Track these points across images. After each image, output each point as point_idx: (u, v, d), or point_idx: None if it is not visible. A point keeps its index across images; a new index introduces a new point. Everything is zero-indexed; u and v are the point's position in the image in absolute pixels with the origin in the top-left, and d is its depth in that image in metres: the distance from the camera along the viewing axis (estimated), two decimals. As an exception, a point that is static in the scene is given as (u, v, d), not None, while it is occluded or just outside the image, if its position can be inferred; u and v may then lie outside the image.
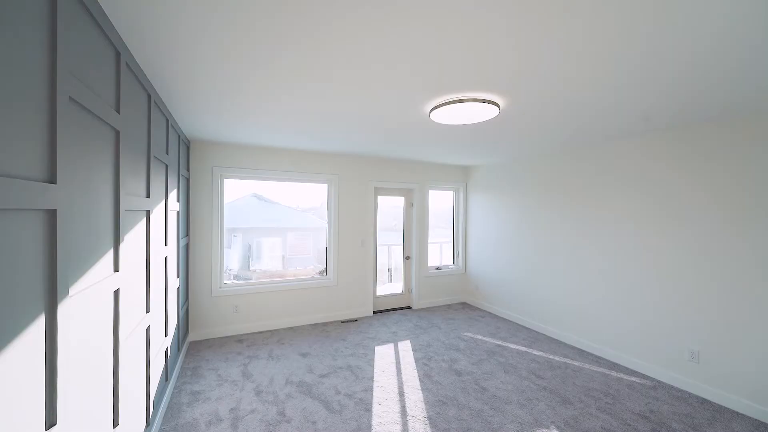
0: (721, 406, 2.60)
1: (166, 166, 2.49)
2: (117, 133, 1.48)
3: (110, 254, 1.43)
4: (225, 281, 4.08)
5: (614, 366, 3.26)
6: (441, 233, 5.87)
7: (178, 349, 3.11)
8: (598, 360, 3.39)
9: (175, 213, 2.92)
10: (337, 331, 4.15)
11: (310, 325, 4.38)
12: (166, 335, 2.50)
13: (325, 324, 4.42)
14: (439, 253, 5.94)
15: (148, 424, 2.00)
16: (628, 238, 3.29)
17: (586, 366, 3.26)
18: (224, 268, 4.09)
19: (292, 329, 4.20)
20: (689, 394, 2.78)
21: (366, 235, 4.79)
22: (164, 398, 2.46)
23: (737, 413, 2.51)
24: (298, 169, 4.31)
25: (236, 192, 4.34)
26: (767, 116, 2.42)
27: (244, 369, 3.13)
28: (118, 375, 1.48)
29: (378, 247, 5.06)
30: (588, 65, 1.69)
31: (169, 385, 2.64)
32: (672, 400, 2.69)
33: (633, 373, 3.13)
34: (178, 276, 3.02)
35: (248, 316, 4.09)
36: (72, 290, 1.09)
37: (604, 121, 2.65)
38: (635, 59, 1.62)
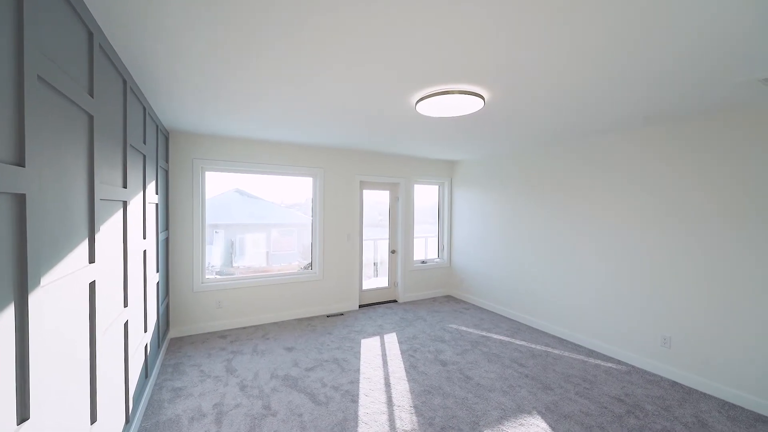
0: (690, 388, 2.74)
1: (144, 157, 2.40)
2: (91, 118, 1.42)
3: (85, 244, 1.37)
4: (207, 276, 3.98)
5: (592, 353, 3.39)
6: (426, 229, 5.92)
7: (159, 346, 3.03)
8: (576, 348, 3.51)
9: (154, 206, 2.83)
10: (323, 325, 4.13)
11: (296, 319, 4.34)
12: (145, 331, 2.43)
13: (310, 318, 4.39)
14: (425, 247, 5.98)
15: (128, 421, 1.95)
16: (604, 234, 3.41)
17: (566, 354, 3.37)
18: (206, 264, 3.99)
19: (277, 324, 4.16)
20: (661, 377, 2.91)
21: (352, 230, 4.78)
22: (144, 395, 2.39)
23: (705, 394, 2.66)
24: (282, 162, 4.25)
25: (218, 187, 4.23)
26: (744, 109, 2.54)
27: (228, 364, 3.08)
28: (95, 370, 1.43)
29: (364, 242, 5.05)
30: (577, 59, 1.73)
31: (150, 382, 2.57)
32: (645, 383, 2.81)
33: (609, 359, 3.26)
34: (157, 271, 2.93)
35: (232, 312, 4.01)
36: (44, 280, 1.04)
37: (590, 115, 2.72)
38: (625, 53, 1.67)
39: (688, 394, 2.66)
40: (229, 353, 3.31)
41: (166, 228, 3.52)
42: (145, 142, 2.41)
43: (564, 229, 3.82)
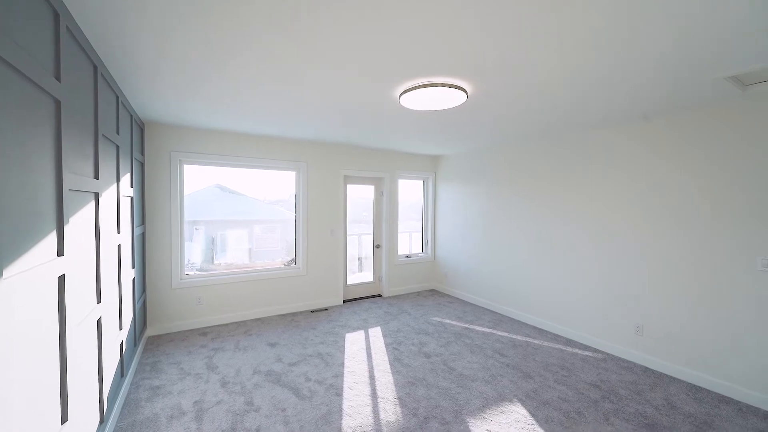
0: (660, 373, 2.88)
1: (117, 147, 2.30)
2: (58, 103, 1.35)
3: (53, 236, 1.31)
4: (186, 273, 3.88)
5: (570, 342, 3.50)
6: (411, 225, 5.94)
7: (135, 344, 2.93)
8: (555, 337, 3.62)
9: (128, 199, 2.72)
10: (307, 321, 4.10)
11: (279, 315, 4.29)
12: (120, 328, 2.35)
13: (294, 314, 4.35)
14: (409, 242, 6.02)
15: (102, 420, 1.88)
16: (581, 228, 3.52)
17: (545, 343, 3.47)
18: (186, 261, 3.89)
19: (259, 320, 4.10)
20: (634, 364, 3.04)
21: (336, 224, 4.75)
22: (120, 394, 2.31)
23: (674, 378, 2.80)
24: (264, 156, 4.17)
25: (198, 182, 4.11)
26: (712, 106, 2.66)
27: (209, 361, 3.02)
28: (65, 367, 1.37)
29: (348, 237, 5.03)
30: (568, 53, 1.76)
31: (126, 381, 2.49)
32: (619, 369, 2.93)
33: (586, 348, 3.37)
34: (133, 266, 2.83)
35: (213, 308, 3.93)
36: (7, 272, 0.98)
37: (571, 111, 2.79)
38: (609, 48, 1.71)
39: (658, 378, 2.79)
40: (210, 350, 3.24)
41: (142, 223, 3.40)
42: (118, 133, 2.32)
43: (543, 224, 3.92)
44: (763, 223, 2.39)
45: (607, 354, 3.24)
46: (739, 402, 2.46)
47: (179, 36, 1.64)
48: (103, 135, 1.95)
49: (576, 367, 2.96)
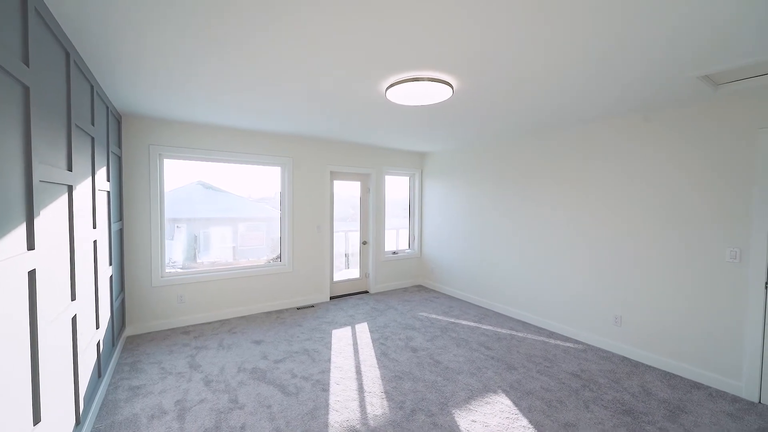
0: (637, 362, 2.98)
1: (93, 139, 2.21)
2: (26, 89, 1.28)
3: (22, 229, 1.25)
4: (168, 270, 3.78)
5: (552, 334, 3.59)
6: (398, 222, 5.95)
7: (113, 344, 2.84)
8: (538, 330, 3.71)
9: (105, 193, 2.62)
10: (293, 318, 4.06)
11: (264, 313, 4.23)
12: (97, 327, 2.27)
13: (280, 311, 4.30)
14: (396, 239, 6.03)
15: (79, 422, 1.82)
16: (564, 224, 3.60)
17: (529, 336, 3.54)
18: (167, 260, 3.78)
19: (244, 318, 4.03)
20: (613, 354, 3.15)
21: (322, 220, 4.71)
22: (98, 395, 2.24)
23: (650, 366, 2.91)
24: (248, 151, 4.09)
25: (179, 178, 3.99)
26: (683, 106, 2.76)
27: (192, 360, 2.95)
28: (37, 366, 1.31)
29: (335, 233, 5.00)
30: (555, 51, 1.79)
31: (104, 382, 2.41)
32: (599, 359, 3.03)
33: (567, 339, 3.47)
34: (110, 263, 2.73)
35: (196, 307, 3.84)
36: (-29, 265, 0.93)
37: (556, 108, 2.84)
38: (594, 44, 1.75)
39: (635, 367, 2.90)
40: (193, 349, 3.17)
41: (120, 218, 3.28)
42: (93, 124, 2.23)
43: (526, 220, 4.00)
44: (728, 217, 2.51)
45: (588, 345, 3.34)
46: (710, 387, 2.58)
47: (157, 28, 1.58)
48: (76, 125, 1.87)
49: (558, 358, 3.04)
